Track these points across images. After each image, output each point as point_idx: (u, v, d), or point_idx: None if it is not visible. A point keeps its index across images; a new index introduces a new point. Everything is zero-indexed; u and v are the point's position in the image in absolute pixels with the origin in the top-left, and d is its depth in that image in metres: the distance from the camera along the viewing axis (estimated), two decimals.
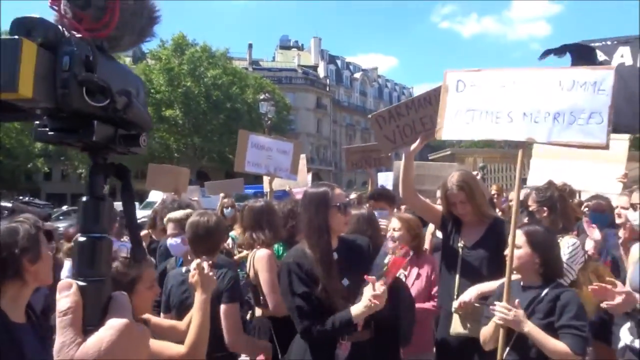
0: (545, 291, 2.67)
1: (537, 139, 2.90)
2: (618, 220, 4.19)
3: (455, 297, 3.27)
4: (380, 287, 2.46)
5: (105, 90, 0.69)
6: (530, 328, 2.57)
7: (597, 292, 2.76)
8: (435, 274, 3.67)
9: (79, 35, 0.70)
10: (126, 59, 38.09)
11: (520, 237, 2.78)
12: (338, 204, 2.69)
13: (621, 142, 5.05)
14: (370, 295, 2.46)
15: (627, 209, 4.10)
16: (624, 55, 7.10)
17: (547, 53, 7.38)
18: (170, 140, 36.68)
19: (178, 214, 3.98)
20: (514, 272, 2.81)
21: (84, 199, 0.76)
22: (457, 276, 3.32)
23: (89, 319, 0.71)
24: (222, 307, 2.84)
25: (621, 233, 4.15)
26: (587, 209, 4.83)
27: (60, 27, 0.69)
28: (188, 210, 4.00)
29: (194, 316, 2.43)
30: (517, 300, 2.66)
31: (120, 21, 0.73)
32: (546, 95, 2.88)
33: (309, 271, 2.63)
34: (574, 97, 2.82)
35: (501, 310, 2.65)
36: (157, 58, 37.53)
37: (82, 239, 0.74)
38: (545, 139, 2.90)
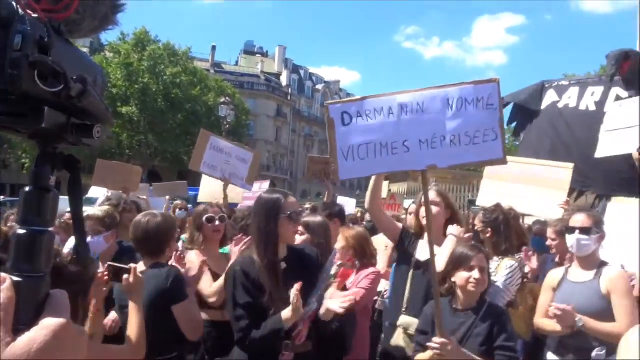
0: (481, 314, 2.72)
1: (438, 164, 2.81)
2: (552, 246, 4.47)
3: (404, 311, 3.32)
4: (296, 289, 2.45)
5: (59, 75, 0.64)
6: (467, 358, 2.61)
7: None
8: (374, 287, 3.73)
9: (35, 15, 0.65)
10: (84, 49, 36.79)
11: (483, 260, 2.88)
12: (289, 213, 2.66)
13: (565, 171, 5.28)
14: (296, 298, 2.45)
15: (555, 240, 4.39)
16: (571, 97, 7.53)
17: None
18: (123, 136, 35.55)
19: (99, 211, 3.94)
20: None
21: (27, 189, 0.71)
22: (407, 291, 3.37)
23: (22, 318, 0.66)
24: (173, 308, 2.80)
25: (557, 258, 4.40)
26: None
27: (14, 4, 0.64)
28: (108, 208, 4.01)
29: (131, 318, 2.46)
30: (451, 330, 2.70)
31: (81, 5, 0.69)
32: (438, 118, 2.79)
33: (255, 280, 2.60)
34: (466, 117, 2.76)
35: (437, 347, 2.63)
36: (116, 51, 36.45)
37: (21, 231, 0.69)
38: (446, 164, 2.84)
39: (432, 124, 2.78)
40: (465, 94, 2.78)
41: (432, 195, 3.47)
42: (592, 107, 7.11)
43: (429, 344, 2.66)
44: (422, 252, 3.45)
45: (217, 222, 3.81)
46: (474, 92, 2.78)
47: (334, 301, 2.52)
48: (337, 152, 2.84)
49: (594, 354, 2.97)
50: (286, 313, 2.48)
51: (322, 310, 2.55)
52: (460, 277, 2.83)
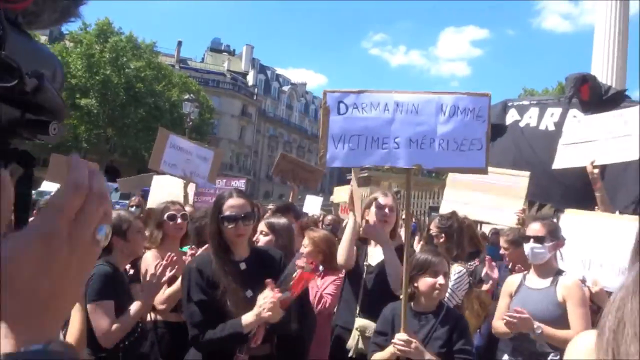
0: (440, 317, 2.78)
1: (423, 165, 2.92)
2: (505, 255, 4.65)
3: (357, 314, 3.35)
4: (273, 296, 2.42)
5: (14, 70, 0.61)
6: (429, 358, 2.66)
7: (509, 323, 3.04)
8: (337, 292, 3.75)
9: None
10: (42, 37, 35.46)
11: (447, 265, 2.95)
12: (226, 215, 2.64)
13: (522, 179, 5.46)
14: (262, 304, 2.43)
15: (507, 249, 4.59)
16: (532, 117, 7.87)
17: None
18: (80, 129, 34.38)
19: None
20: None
21: None
22: (361, 293, 3.41)
23: None
24: (87, 307, 2.72)
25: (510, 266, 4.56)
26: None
27: None
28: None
29: (72, 314, 2.56)
30: (413, 332, 2.74)
31: None
32: (430, 121, 2.91)
33: (210, 278, 2.58)
34: (456, 124, 2.89)
35: (401, 343, 2.67)
36: (78, 41, 35.27)
37: None
38: (432, 165, 2.98)
39: (424, 125, 2.91)
40: (458, 103, 2.91)
41: (389, 199, 3.55)
42: (552, 127, 7.49)
43: (393, 341, 2.70)
44: (372, 256, 3.53)
45: (179, 220, 3.74)
46: (466, 103, 2.91)
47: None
48: (328, 139, 2.94)
49: (550, 357, 3.08)
50: (247, 317, 2.46)
51: None
52: (424, 282, 2.86)
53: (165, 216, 3.73)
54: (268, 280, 2.47)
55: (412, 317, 2.85)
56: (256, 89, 61.77)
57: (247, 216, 2.67)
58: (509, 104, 8.38)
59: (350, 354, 3.25)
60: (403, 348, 2.65)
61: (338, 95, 2.98)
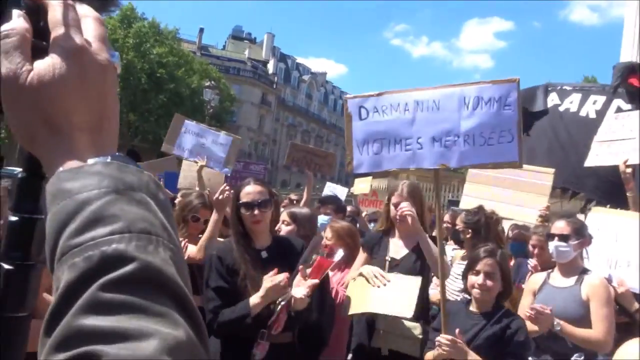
0: (494, 319, 2.70)
1: (450, 164, 2.81)
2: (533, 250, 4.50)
3: None
4: (277, 278, 2.45)
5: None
6: (473, 358, 2.61)
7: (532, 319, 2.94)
8: None
9: None
10: None
11: (494, 266, 2.81)
12: (242, 202, 2.69)
13: (547, 176, 5.34)
14: (268, 285, 2.45)
15: (536, 246, 4.43)
16: (573, 102, 7.58)
17: None
18: None
19: None
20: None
21: (20, 175, 0.67)
22: None
23: (10, 306, 0.63)
24: None
25: (532, 262, 4.44)
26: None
27: None
28: None
29: None
30: (457, 330, 2.68)
31: None
32: (453, 117, 2.77)
33: (230, 266, 2.62)
34: (481, 116, 2.72)
35: (444, 343, 2.65)
36: None
37: (13, 218, 0.66)
38: (458, 164, 2.83)
39: (447, 122, 2.77)
40: (482, 93, 2.74)
41: (405, 192, 3.44)
42: (593, 115, 7.19)
43: (436, 339, 2.69)
44: (394, 250, 3.44)
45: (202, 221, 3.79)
46: (491, 92, 2.72)
47: (298, 289, 2.53)
48: (353, 146, 2.95)
49: (573, 357, 3.04)
50: (254, 298, 2.49)
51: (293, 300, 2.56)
52: (469, 280, 2.85)
53: (190, 217, 3.78)
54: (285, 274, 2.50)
55: (466, 316, 2.81)
56: (276, 78, 61.70)
57: (262, 203, 2.69)
58: (550, 87, 8.05)
59: (384, 353, 3.21)
60: (446, 347, 2.62)
61: (358, 101, 2.96)
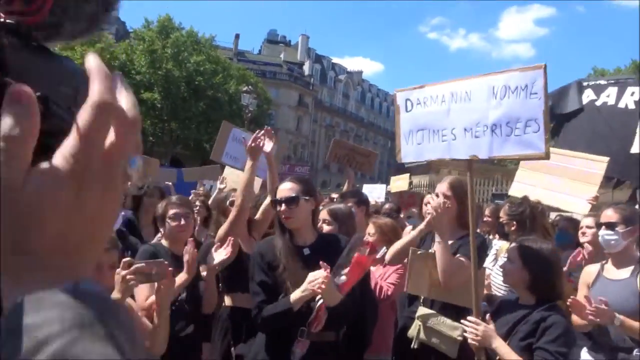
0: (535, 312, 2.57)
1: (479, 155, 2.77)
2: (583, 239, 4.27)
3: (421, 303, 3.29)
4: (318, 274, 2.43)
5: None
6: (499, 345, 2.53)
7: (573, 307, 2.79)
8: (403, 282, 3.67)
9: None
10: (109, 36, 37.18)
11: (514, 250, 2.76)
12: (275, 199, 2.76)
13: (600, 164, 5.11)
14: (310, 280, 2.44)
15: (591, 227, 4.19)
16: (610, 95, 7.48)
17: None
18: (146, 124, 35.95)
19: None
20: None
21: None
22: None
23: None
24: None
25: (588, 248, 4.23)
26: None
27: None
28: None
29: None
30: (487, 316, 2.64)
31: (57, 6, 0.59)
32: (482, 107, 2.73)
33: (271, 262, 2.65)
34: (508, 106, 2.64)
35: (470, 325, 2.63)
36: (141, 38, 36.82)
37: None
38: (486, 155, 2.77)
39: (477, 112, 2.78)
40: (509, 82, 2.66)
41: (444, 187, 3.38)
42: (632, 106, 7.15)
43: (462, 321, 2.69)
44: None
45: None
46: (518, 80, 2.64)
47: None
48: (401, 136, 3.16)
49: (634, 353, 2.89)
50: (295, 294, 2.50)
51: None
52: None
53: (228, 203, 3.87)
54: (322, 262, 2.48)
55: (512, 307, 2.72)
56: (312, 79, 61.97)
57: (288, 200, 2.70)
58: (584, 83, 7.97)
59: (412, 345, 3.20)
60: (471, 330, 2.62)
61: (405, 94, 3.14)
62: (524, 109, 2.60)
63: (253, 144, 3.57)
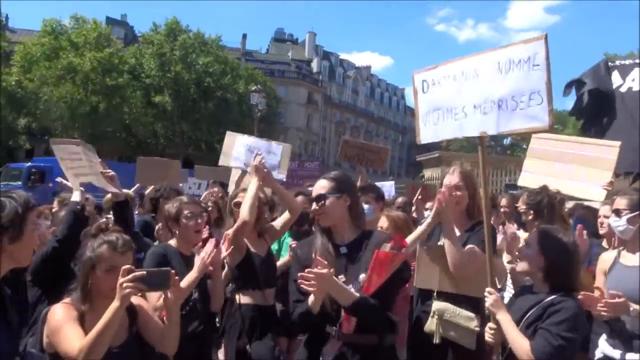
0: (546, 299, 2.50)
1: (488, 131, 2.75)
2: (601, 231, 4.19)
3: (435, 297, 3.26)
4: (319, 271, 2.36)
5: None
6: (503, 317, 2.53)
7: (585, 301, 2.69)
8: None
9: None
10: (117, 41, 37.52)
11: (533, 235, 2.72)
12: (310, 197, 2.82)
13: (612, 149, 4.94)
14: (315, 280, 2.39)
15: (608, 217, 4.11)
16: (635, 79, 7.03)
17: (569, 86, 7.34)
18: (157, 126, 36.24)
19: None
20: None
21: None
22: None
23: None
24: None
25: (604, 243, 4.15)
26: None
27: None
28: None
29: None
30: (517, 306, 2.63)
31: None
32: (489, 83, 2.72)
33: (307, 261, 2.62)
34: (512, 79, 2.62)
35: (488, 297, 2.65)
36: (150, 42, 37.08)
37: None
38: (495, 131, 2.74)
39: (484, 87, 2.78)
40: (513, 55, 2.65)
41: (456, 178, 3.33)
42: None
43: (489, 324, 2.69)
44: None
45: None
46: (521, 53, 2.62)
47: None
48: (419, 118, 3.16)
49: None
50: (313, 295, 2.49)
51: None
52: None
53: (233, 203, 3.87)
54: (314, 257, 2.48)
55: (529, 294, 2.67)
56: (321, 76, 61.92)
57: (317, 198, 2.69)
58: (610, 64, 7.38)
59: (434, 341, 3.16)
60: (489, 301, 2.65)
61: (422, 75, 3.14)
62: (528, 82, 2.58)
63: (257, 164, 3.66)
